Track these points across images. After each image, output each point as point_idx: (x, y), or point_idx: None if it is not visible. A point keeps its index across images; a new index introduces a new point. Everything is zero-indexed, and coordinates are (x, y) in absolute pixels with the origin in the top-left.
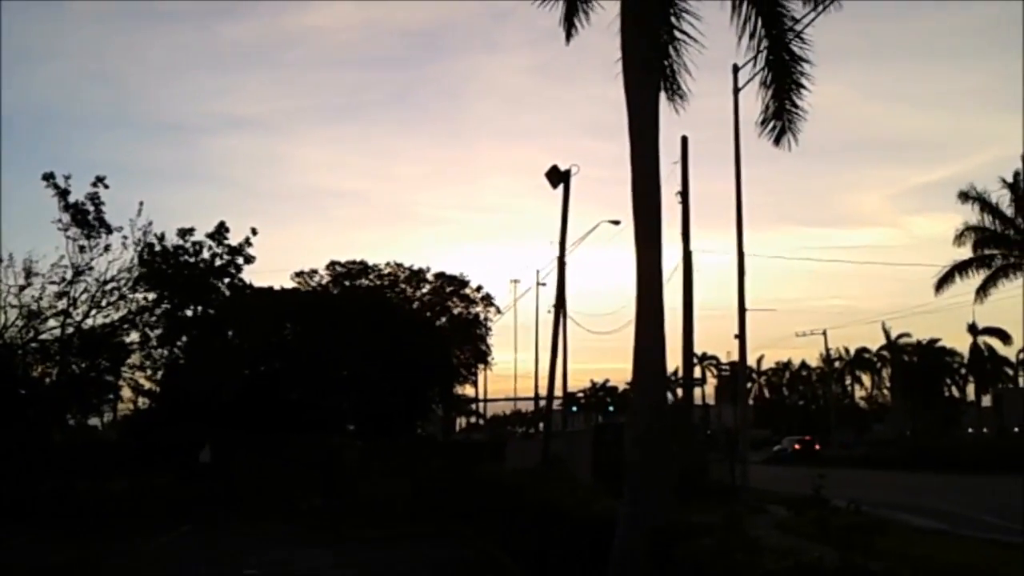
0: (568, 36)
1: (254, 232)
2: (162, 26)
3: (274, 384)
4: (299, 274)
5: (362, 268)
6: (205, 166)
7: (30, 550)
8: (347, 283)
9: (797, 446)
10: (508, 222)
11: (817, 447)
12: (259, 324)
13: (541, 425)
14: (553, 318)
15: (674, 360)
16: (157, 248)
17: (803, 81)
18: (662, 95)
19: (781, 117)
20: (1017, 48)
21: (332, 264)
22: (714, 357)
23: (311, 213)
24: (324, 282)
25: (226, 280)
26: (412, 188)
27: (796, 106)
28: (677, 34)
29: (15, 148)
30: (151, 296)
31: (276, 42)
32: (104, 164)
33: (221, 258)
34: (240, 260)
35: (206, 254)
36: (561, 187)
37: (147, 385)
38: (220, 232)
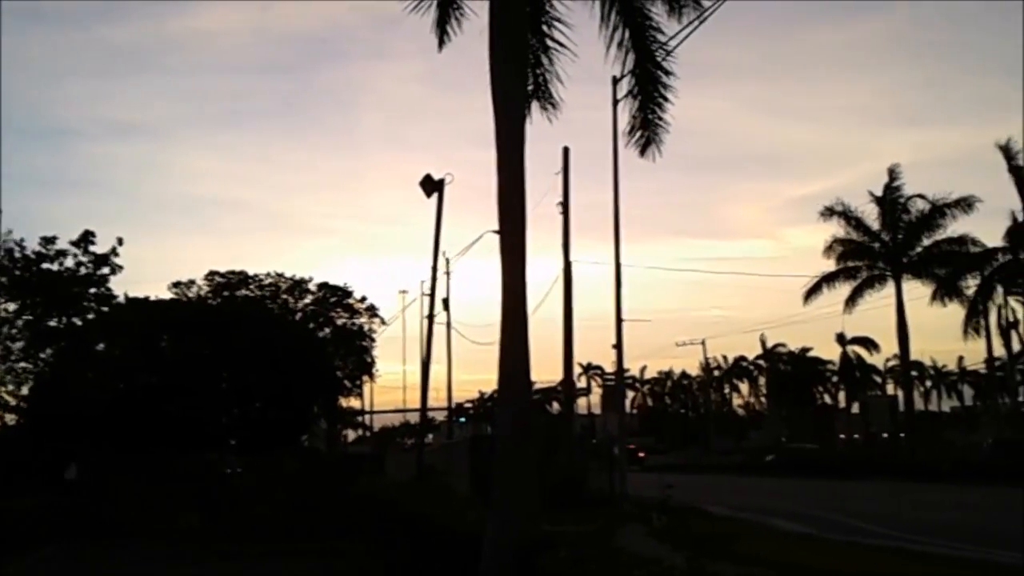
0: (441, 43)
1: (120, 242)
2: (41, 27)
3: (149, 398)
4: (176, 284)
5: (242, 278)
6: (84, 173)
7: None
8: (227, 293)
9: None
10: (396, 234)
11: (641, 455)
12: (133, 336)
13: (431, 436)
14: (426, 329)
15: (558, 371)
16: (17, 255)
17: (667, 95)
18: (535, 104)
19: (646, 128)
20: (890, 66)
21: (211, 274)
22: (599, 367)
23: (193, 222)
24: (203, 293)
25: (92, 290)
26: (298, 198)
27: (660, 119)
28: (549, 43)
29: None
30: (11, 307)
31: (160, 46)
32: None
33: (86, 267)
34: (106, 270)
35: (70, 262)
36: (436, 196)
37: (12, 401)
38: (85, 240)
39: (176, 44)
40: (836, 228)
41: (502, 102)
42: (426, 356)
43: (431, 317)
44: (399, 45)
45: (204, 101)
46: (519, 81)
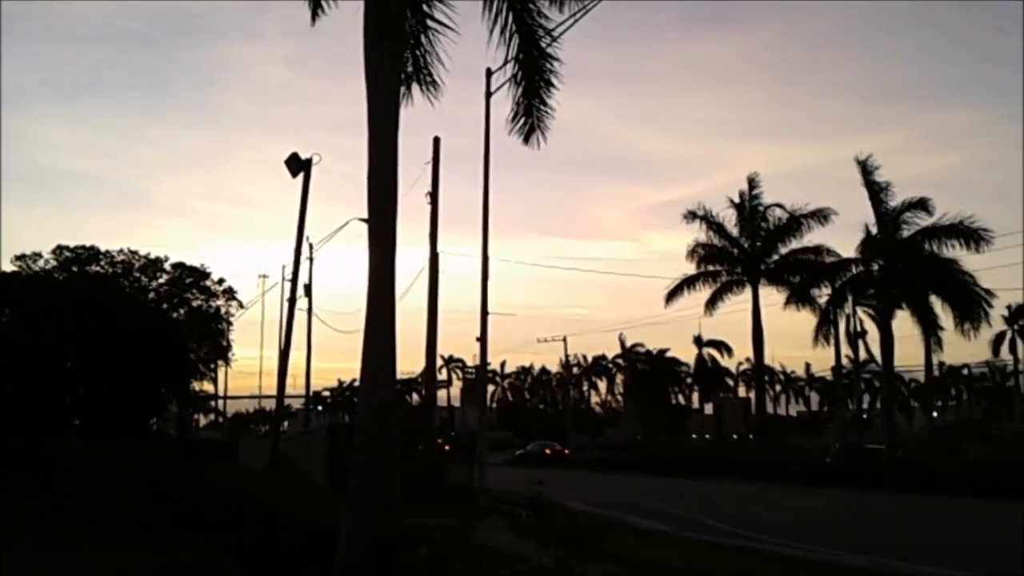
0: (314, 15)
1: None
2: None
3: None
4: (20, 257)
5: (93, 254)
6: None
7: None
8: (75, 269)
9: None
10: (260, 217)
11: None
12: None
13: (287, 424)
14: (287, 313)
15: (419, 361)
16: None
17: (552, 80)
18: (415, 86)
19: (531, 115)
20: (752, 81)
21: (59, 248)
22: (460, 360)
23: (42, 194)
24: (49, 267)
25: None
26: (157, 176)
27: (545, 104)
28: (430, 23)
29: None
30: None
31: (15, 10)
32: None
33: None
34: None
35: None
36: (302, 177)
37: None
38: None
39: (32, 10)
40: (699, 232)
41: (375, 78)
42: (285, 342)
43: (292, 300)
44: (269, 27)
45: (60, 70)
46: (394, 57)
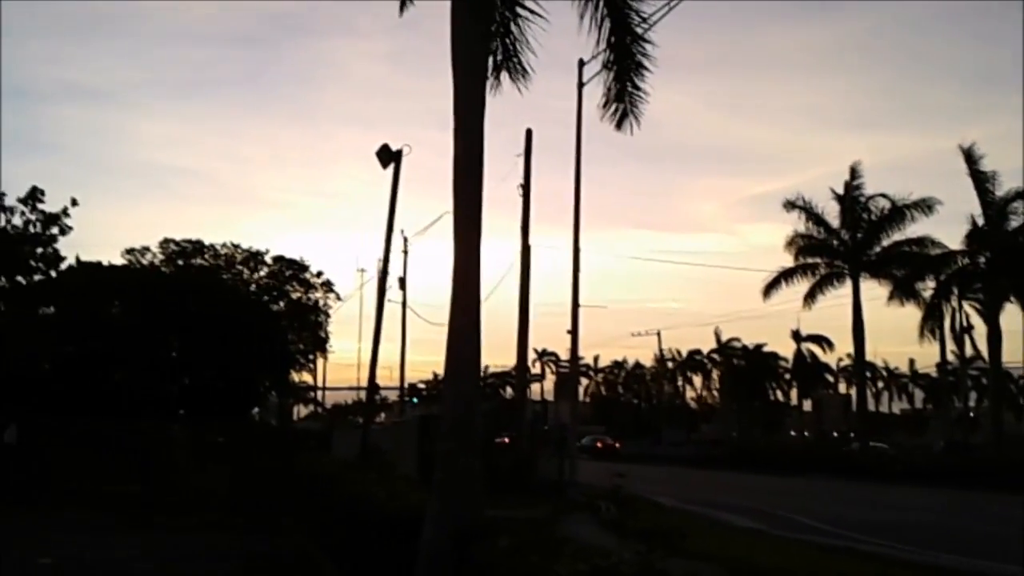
0: (402, 7)
1: (74, 202)
2: None
3: (97, 364)
4: (130, 251)
5: (197, 247)
6: (42, 134)
7: None
8: (181, 262)
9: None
10: (356, 210)
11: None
12: (83, 300)
13: (383, 416)
14: (376, 304)
15: (513, 355)
16: None
17: (645, 62)
18: (504, 74)
19: (623, 99)
20: (853, 69)
21: (166, 242)
22: (553, 353)
23: (151, 190)
24: (157, 260)
25: (39, 250)
26: (258, 170)
27: (638, 88)
28: (519, 9)
29: None
30: None
31: (126, 12)
32: None
33: (35, 225)
34: (56, 230)
35: (18, 220)
36: (392, 168)
37: None
38: (34, 197)
39: (142, 10)
40: (797, 223)
41: (462, 64)
42: (376, 331)
43: (382, 291)
44: (366, 23)
45: (167, 69)
46: (482, 41)
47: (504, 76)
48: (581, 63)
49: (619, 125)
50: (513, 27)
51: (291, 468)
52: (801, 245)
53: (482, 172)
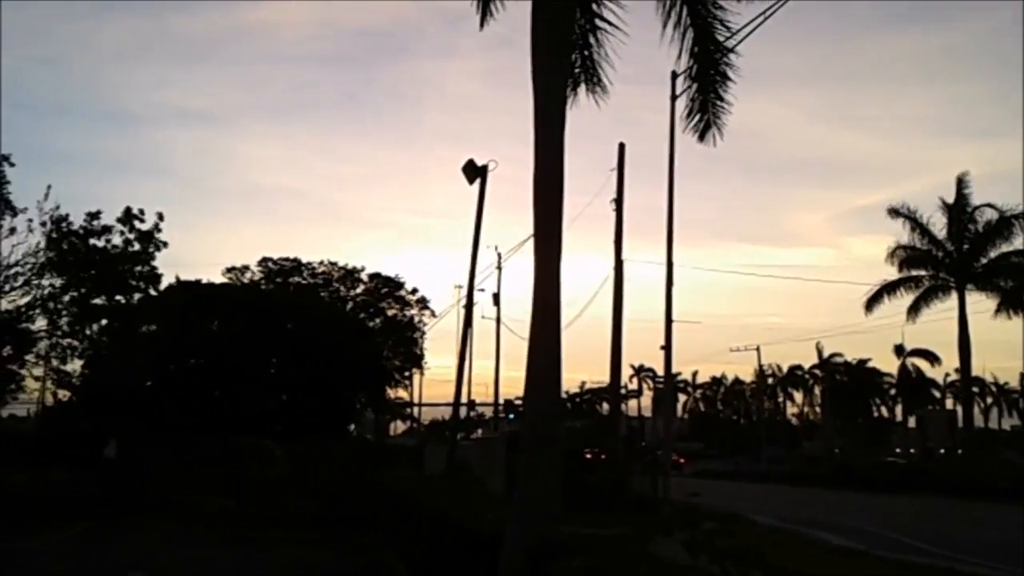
0: (483, 20)
1: (161, 217)
2: (112, 13)
3: (196, 380)
4: (230, 269)
5: (295, 265)
6: (149, 157)
7: None
8: (279, 280)
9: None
10: (453, 228)
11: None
12: (183, 318)
13: (480, 432)
14: (464, 318)
15: (607, 370)
16: (65, 232)
17: (729, 73)
18: (582, 88)
19: (706, 111)
20: (957, 78)
21: (265, 260)
22: (651, 369)
23: (252, 209)
24: (256, 278)
25: (137, 268)
26: (358, 190)
27: (721, 99)
28: (598, 22)
29: None
30: (58, 283)
31: (227, 36)
32: (47, 151)
33: (132, 244)
34: (152, 248)
35: (117, 239)
36: (479, 183)
37: (64, 378)
38: (129, 217)
39: (243, 34)
40: (901, 235)
41: (541, 78)
42: (462, 346)
43: (469, 306)
44: (463, 42)
45: (267, 91)
46: (560, 56)
47: (582, 89)
48: (674, 75)
49: (701, 137)
50: (591, 39)
51: (381, 484)
52: (904, 257)
53: (562, 185)
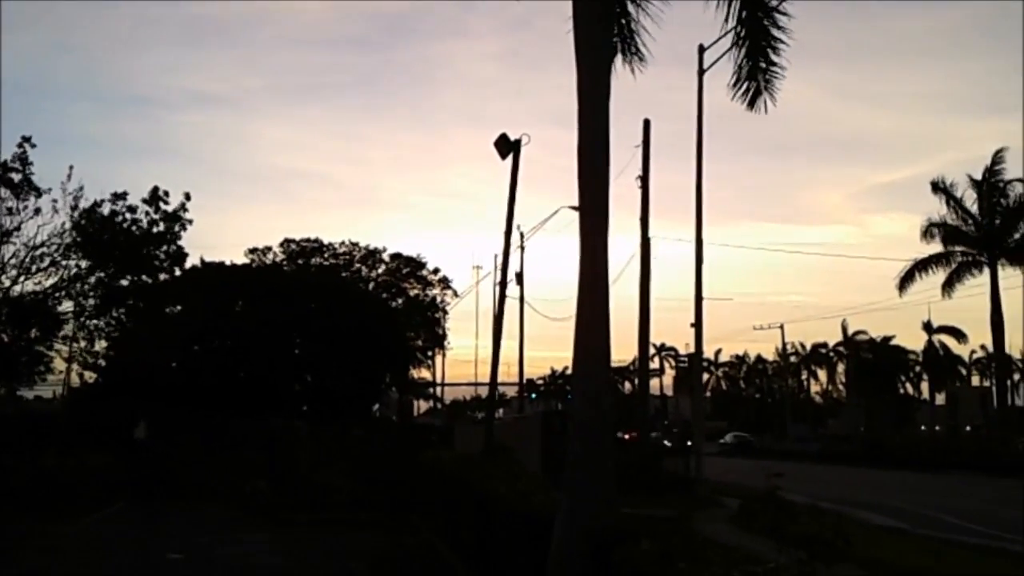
0: None
1: (188, 197)
2: None
3: (222, 361)
4: (252, 251)
5: (317, 246)
6: (168, 141)
7: None
8: (301, 261)
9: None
10: (473, 210)
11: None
12: (208, 299)
13: (502, 411)
14: (498, 297)
15: (631, 350)
16: (93, 214)
17: (779, 35)
18: (619, 59)
19: (755, 76)
20: (978, 53)
21: (286, 241)
22: (673, 348)
23: (273, 193)
24: (278, 259)
25: (163, 248)
26: (376, 172)
27: (773, 63)
28: None
29: None
30: (84, 264)
31: (245, 20)
32: (67, 136)
33: (158, 225)
34: (177, 227)
35: (143, 220)
36: (511, 159)
37: (91, 359)
38: (155, 198)
39: (259, 18)
40: (931, 213)
41: (585, 49)
42: (496, 324)
43: (503, 283)
44: (479, 23)
45: (286, 74)
46: (604, 24)
47: (619, 60)
48: (701, 48)
49: (751, 104)
50: (630, 6)
51: (416, 465)
52: (939, 233)
53: (608, 155)
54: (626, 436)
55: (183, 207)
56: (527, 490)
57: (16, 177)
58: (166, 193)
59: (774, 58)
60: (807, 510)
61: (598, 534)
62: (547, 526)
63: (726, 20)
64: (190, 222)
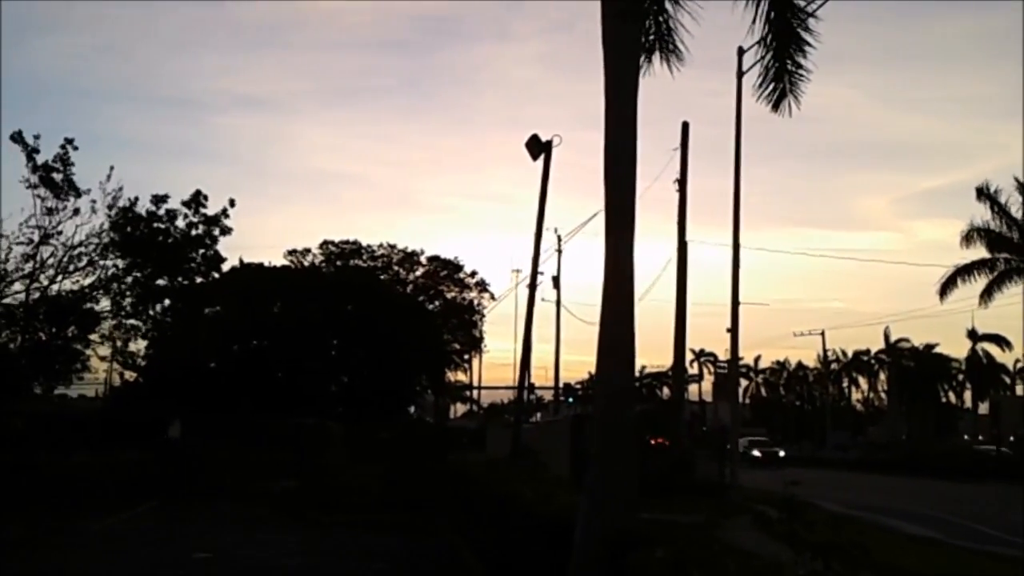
0: None
1: (231, 203)
2: (172, 1)
3: (259, 362)
4: (291, 252)
5: (355, 248)
6: (209, 143)
7: None
8: (340, 263)
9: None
10: (511, 213)
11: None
12: (246, 300)
13: (539, 415)
14: (528, 299)
15: (668, 355)
16: (130, 215)
17: (806, 37)
18: (656, 57)
19: (781, 79)
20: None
21: (325, 243)
22: (711, 353)
23: (313, 194)
24: (317, 261)
25: (200, 251)
26: (415, 174)
27: (799, 65)
28: None
29: (19, 118)
30: (122, 264)
31: (286, 22)
32: (108, 137)
33: (196, 228)
34: (216, 231)
35: (181, 223)
36: (542, 160)
37: (130, 360)
38: (196, 201)
39: (301, 21)
40: (973, 218)
41: (612, 41)
42: (527, 326)
43: (532, 286)
44: (519, 26)
45: (326, 77)
46: (632, 19)
47: (656, 58)
48: (740, 51)
49: (776, 106)
50: (667, 5)
51: (444, 467)
52: (983, 239)
53: (635, 155)
54: (652, 442)
55: (224, 213)
56: (548, 493)
57: (58, 177)
58: (206, 197)
59: (800, 60)
60: (824, 518)
61: (616, 537)
62: (567, 529)
63: (753, 21)
64: (231, 230)
